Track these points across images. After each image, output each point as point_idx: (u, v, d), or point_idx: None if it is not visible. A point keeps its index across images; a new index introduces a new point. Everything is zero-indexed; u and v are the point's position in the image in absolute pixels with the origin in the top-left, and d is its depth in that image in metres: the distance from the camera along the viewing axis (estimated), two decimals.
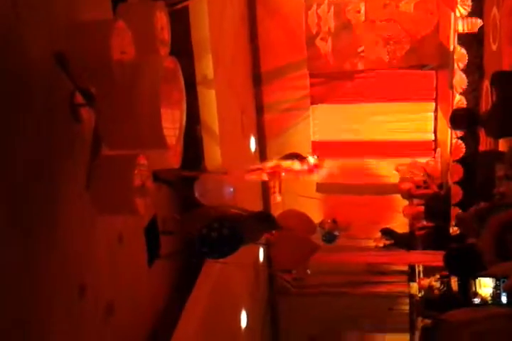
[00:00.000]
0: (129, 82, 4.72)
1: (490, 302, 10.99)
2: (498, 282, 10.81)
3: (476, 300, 11.06)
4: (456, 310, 6.05)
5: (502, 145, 9.56)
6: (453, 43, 11.38)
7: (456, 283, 11.99)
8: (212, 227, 6.56)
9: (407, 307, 13.86)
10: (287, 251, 8.24)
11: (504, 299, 10.59)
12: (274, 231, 8.22)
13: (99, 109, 4.91)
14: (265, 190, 12.33)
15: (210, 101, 8.83)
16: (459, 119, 8.35)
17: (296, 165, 8.40)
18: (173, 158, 8.12)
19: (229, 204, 7.93)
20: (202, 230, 6.50)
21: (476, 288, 11.02)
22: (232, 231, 6.55)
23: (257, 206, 11.55)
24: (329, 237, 12.71)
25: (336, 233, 12.78)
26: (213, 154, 9.04)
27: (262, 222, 7.43)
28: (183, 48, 7.67)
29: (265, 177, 9.30)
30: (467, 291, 11.18)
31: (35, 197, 4.51)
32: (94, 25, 4.80)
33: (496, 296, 10.98)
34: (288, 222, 8.33)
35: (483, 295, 11.13)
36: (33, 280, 4.47)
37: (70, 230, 5.03)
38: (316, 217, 12.88)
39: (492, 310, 6.55)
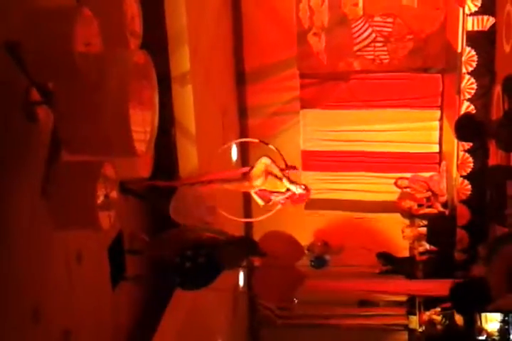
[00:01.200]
0: (93, 78, 4.71)
1: (497, 338, 11.02)
2: (506, 317, 10.85)
3: (482, 337, 11.08)
4: None
5: None
6: (461, 43, 11.49)
7: (461, 317, 12.01)
8: (186, 256, 6.56)
9: None
10: (271, 283, 8.23)
11: None
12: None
13: (59, 108, 4.89)
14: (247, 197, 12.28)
15: (186, 100, 8.83)
16: (463, 128, 8.43)
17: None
18: (143, 167, 8.14)
19: (206, 225, 7.92)
20: (175, 259, 6.50)
21: (481, 323, 11.05)
22: (208, 259, 6.56)
23: (238, 222, 11.50)
24: (319, 262, 12.72)
25: (327, 257, 12.79)
26: (189, 162, 9.03)
27: (243, 247, 7.45)
28: (156, 40, 7.69)
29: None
30: (472, 326, 11.20)
31: None
32: (55, 13, 4.78)
33: (503, 332, 11.01)
34: (272, 245, 8.34)
35: (489, 330, 11.16)
36: None
37: (21, 246, 4.99)
38: (305, 238, 12.90)
39: None
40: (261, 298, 11.90)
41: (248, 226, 12.93)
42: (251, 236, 11.51)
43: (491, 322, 11.11)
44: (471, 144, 11.65)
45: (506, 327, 10.91)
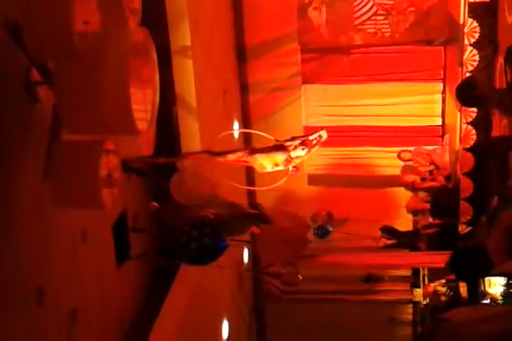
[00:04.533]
0: (93, 57, 4.69)
1: (501, 302, 11.14)
2: (510, 280, 10.95)
3: (486, 300, 11.19)
4: (459, 309, 6.19)
5: None
6: (463, 15, 11.41)
7: (465, 287, 12.10)
8: (192, 236, 6.61)
9: (410, 317, 13.96)
10: (275, 243, 8.30)
11: None
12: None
13: (59, 88, 4.87)
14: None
15: (187, 78, 8.80)
16: (464, 92, 8.40)
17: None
18: (144, 145, 8.13)
19: (209, 201, 7.93)
20: (181, 239, 6.55)
21: (485, 287, 11.15)
22: (213, 238, 6.61)
23: (241, 196, 11.51)
24: (322, 232, 12.74)
25: (330, 228, 12.81)
26: (191, 139, 9.02)
27: (247, 222, 7.48)
28: (155, 17, 7.63)
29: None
30: (477, 296, 11.30)
31: None
32: None
33: (507, 295, 11.12)
34: (278, 221, 8.39)
35: (493, 294, 11.27)
36: None
37: (24, 225, 5.01)
38: (309, 210, 12.95)
39: (496, 309, 6.70)
40: (266, 258, 11.93)
41: (252, 200, 12.96)
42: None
43: (495, 286, 11.22)
44: (473, 116, 11.64)
45: (510, 290, 11.02)
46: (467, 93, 8.54)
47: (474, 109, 11.71)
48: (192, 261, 6.79)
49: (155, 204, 8.12)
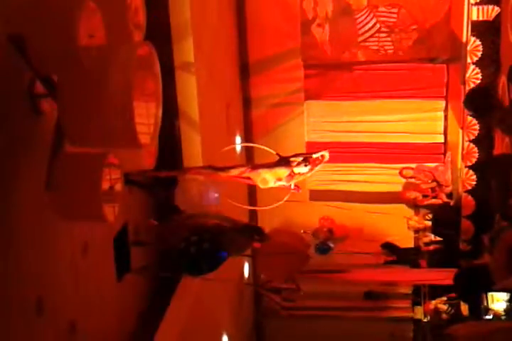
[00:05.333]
0: (97, 70, 4.72)
1: (504, 317, 11.10)
2: None
3: (489, 316, 11.14)
4: (461, 324, 6.17)
5: None
6: (466, 33, 11.46)
7: (466, 305, 12.06)
8: (191, 241, 6.61)
9: (411, 334, 13.90)
10: (276, 259, 8.29)
11: None
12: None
13: (63, 101, 4.89)
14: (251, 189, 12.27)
15: (190, 92, 8.82)
16: (473, 98, 8.41)
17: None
18: (147, 158, 8.15)
19: (211, 213, 7.95)
20: (180, 244, 6.54)
21: (488, 303, 11.11)
22: (212, 245, 6.60)
23: (242, 211, 11.53)
24: (323, 248, 12.73)
25: (331, 244, 12.81)
26: (193, 154, 9.04)
27: (248, 234, 7.47)
28: (159, 32, 7.67)
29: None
30: (480, 311, 11.26)
31: None
32: (58, 4, 4.78)
33: (510, 311, 11.09)
34: (279, 238, 8.40)
35: (496, 310, 11.23)
36: None
37: (26, 237, 5.01)
38: (310, 226, 12.95)
39: (498, 324, 6.68)
40: (266, 275, 11.91)
41: (253, 215, 12.96)
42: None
43: (498, 301, 11.18)
44: (475, 134, 11.66)
45: None
46: (477, 101, 8.55)
47: (477, 127, 11.74)
48: (191, 267, 6.75)
49: (153, 221, 8.12)
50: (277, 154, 7.92)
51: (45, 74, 4.95)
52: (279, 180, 7.75)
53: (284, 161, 7.73)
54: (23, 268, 4.96)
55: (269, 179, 7.72)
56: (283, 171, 7.70)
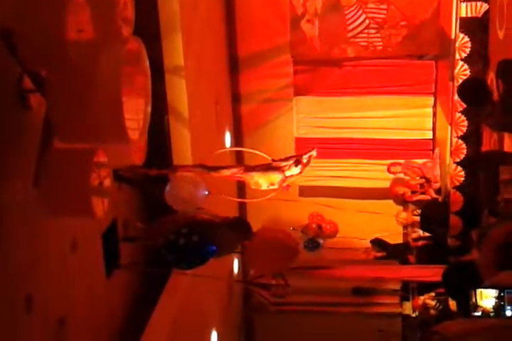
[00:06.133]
0: (85, 65, 4.68)
1: (492, 314, 11.11)
2: (501, 293, 10.94)
3: (478, 313, 11.16)
4: (450, 322, 6.17)
5: (507, 145, 9.65)
6: (455, 30, 11.45)
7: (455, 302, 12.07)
8: (181, 233, 6.59)
9: (399, 329, 13.92)
10: (265, 253, 8.27)
11: (509, 312, 10.75)
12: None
13: (51, 96, 4.85)
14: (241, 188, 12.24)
15: (179, 88, 8.80)
16: (468, 88, 8.40)
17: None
18: (136, 154, 8.12)
19: (201, 210, 7.92)
20: (169, 236, 6.53)
21: (477, 299, 11.12)
22: (202, 238, 6.58)
23: (231, 206, 11.52)
24: (312, 244, 12.72)
25: (320, 241, 12.80)
26: (183, 149, 9.02)
27: (237, 229, 7.46)
28: (148, 27, 7.64)
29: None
30: (468, 308, 11.28)
31: None
32: None
33: (499, 308, 11.10)
34: (268, 234, 8.38)
35: (484, 306, 11.24)
36: None
37: (14, 233, 4.98)
38: (299, 222, 12.94)
39: (488, 321, 6.69)
40: (255, 268, 11.90)
41: (242, 211, 12.94)
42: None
43: (487, 298, 11.19)
44: (464, 131, 11.67)
45: (502, 303, 10.99)
46: (472, 90, 8.54)
47: (465, 124, 11.75)
48: (179, 258, 6.72)
49: (139, 224, 8.10)
50: (272, 160, 7.94)
51: (33, 69, 4.90)
52: (272, 184, 7.80)
53: (275, 166, 7.77)
54: (11, 265, 4.92)
55: (262, 183, 7.76)
56: (276, 176, 7.74)
